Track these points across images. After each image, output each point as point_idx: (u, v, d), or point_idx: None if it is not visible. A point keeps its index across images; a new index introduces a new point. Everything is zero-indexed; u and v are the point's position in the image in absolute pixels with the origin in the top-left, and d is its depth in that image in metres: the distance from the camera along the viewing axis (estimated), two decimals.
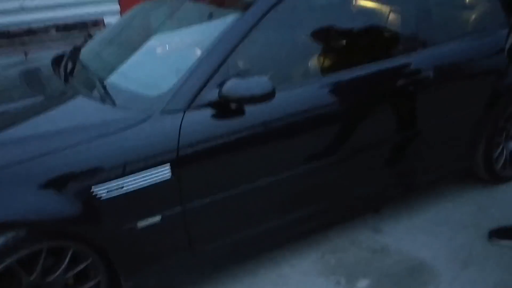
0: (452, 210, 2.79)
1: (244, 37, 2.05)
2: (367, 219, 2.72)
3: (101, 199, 1.78)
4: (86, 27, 5.02)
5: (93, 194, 1.76)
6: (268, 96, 1.93)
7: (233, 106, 1.97)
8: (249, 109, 1.99)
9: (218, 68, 2.00)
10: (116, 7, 5.24)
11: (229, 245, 2.19)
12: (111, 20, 5.16)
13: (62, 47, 4.61)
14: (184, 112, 1.92)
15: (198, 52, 2.10)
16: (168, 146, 1.87)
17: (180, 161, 1.89)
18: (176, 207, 1.94)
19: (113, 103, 2.05)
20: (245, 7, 2.14)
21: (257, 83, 1.92)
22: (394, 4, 2.57)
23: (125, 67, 2.30)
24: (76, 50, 2.76)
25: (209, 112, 1.96)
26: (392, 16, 2.56)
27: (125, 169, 1.80)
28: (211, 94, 1.96)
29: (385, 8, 2.59)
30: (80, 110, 2.10)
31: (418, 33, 2.54)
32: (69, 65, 2.57)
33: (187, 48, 2.32)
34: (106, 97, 2.10)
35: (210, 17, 2.43)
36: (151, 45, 2.44)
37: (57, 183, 1.73)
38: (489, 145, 2.82)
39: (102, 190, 1.78)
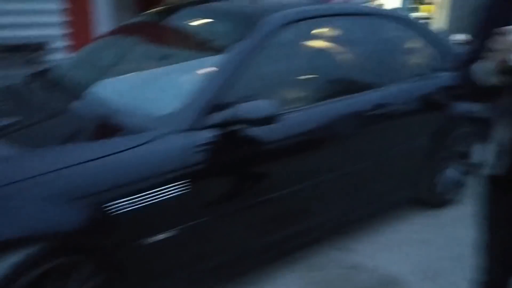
0: (410, 230, 3.10)
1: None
2: (337, 239, 2.94)
3: (117, 213, 1.79)
4: (29, 50, 4.83)
5: (109, 208, 1.78)
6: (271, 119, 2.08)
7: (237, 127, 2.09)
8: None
9: (223, 92, 2.13)
10: (61, 31, 5.11)
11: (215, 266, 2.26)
12: (57, 44, 5.03)
13: (4, 69, 4.43)
14: (192, 131, 2.02)
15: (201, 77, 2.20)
16: (177, 164, 1.94)
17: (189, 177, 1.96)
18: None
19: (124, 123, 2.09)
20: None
21: (261, 106, 2.06)
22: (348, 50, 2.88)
23: (129, 88, 2.34)
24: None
25: (215, 132, 2.07)
26: (346, 60, 2.86)
27: (139, 186, 1.85)
28: (218, 116, 2.07)
29: (341, 52, 2.84)
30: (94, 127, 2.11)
31: (368, 76, 2.85)
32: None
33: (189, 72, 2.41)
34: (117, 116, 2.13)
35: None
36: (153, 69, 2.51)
37: (74, 197, 1.73)
38: (433, 172, 3.23)
39: (117, 205, 1.80)
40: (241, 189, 2.22)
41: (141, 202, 1.85)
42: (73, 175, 1.77)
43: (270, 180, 2.31)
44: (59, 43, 5.06)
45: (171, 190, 1.92)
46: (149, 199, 1.88)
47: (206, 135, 2.05)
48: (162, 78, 2.47)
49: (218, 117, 2.07)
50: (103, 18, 5.31)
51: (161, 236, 1.95)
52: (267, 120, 2.08)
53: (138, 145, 1.92)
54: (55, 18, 5.01)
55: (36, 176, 1.71)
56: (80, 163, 1.79)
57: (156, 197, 1.89)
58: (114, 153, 1.87)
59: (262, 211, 2.34)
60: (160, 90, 2.33)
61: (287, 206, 2.47)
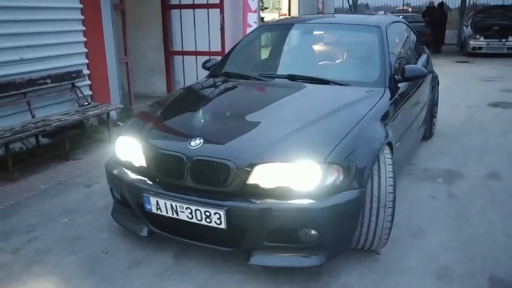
0: None
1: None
2: None
3: None
4: (71, 78, 5.21)
5: None
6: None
7: None
8: None
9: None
10: (84, 60, 5.57)
11: None
12: (85, 71, 5.49)
13: (58, 97, 4.88)
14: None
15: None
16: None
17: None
18: None
19: None
20: None
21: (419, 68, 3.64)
22: None
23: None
24: None
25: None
26: None
27: None
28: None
29: None
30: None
31: None
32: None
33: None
34: None
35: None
36: None
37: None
38: None
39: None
40: None
41: None
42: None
43: None
44: (85, 71, 5.53)
45: None
46: None
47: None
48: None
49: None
50: (110, 50, 5.93)
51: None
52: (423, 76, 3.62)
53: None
54: (80, 49, 5.48)
55: None
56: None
57: None
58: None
59: None
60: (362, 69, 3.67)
61: None
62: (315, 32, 4.29)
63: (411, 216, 3.32)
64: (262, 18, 11.25)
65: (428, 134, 5.13)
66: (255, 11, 7.42)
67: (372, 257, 2.78)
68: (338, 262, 2.68)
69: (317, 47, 4.05)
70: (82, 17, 5.42)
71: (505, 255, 2.80)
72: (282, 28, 4.56)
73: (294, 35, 4.32)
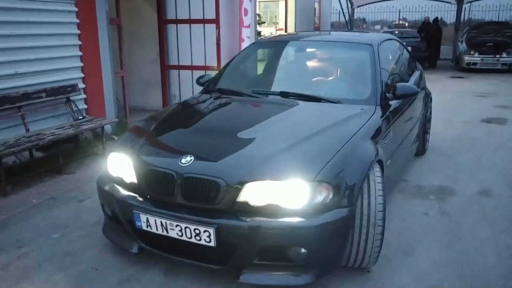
0: None
1: None
2: None
3: None
4: (66, 92, 5.23)
5: None
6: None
7: None
8: None
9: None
10: (81, 74, 5.60)
11: None
12: (80, 86, 5.52)
13: (52, 111, 4.89)
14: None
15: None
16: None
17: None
18: None
19: None
20: None
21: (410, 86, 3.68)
22: None
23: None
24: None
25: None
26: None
27: None
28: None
29: None
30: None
31: None
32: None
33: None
34: None
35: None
36: None
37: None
38: None
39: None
40: None
41: None
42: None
43: None
44: (81, 85, 5.56)
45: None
46: None
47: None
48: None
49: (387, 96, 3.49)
50: (106, 64, 5.96)
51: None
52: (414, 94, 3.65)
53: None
54: (76, 63, 5.51)
55: None
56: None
57: None
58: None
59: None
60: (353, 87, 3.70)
61: None
62: (308, 50, 4.33)
63: (402, 233, 3.33)
64: (259, 33, 11.35)
65: (421, 150, 5.16)
66: (248, 26, 7.49)
67: (363, 275, 2.78)
68: (328, 280, 2.67)
69: (309, 65, 4.09)
70: (78, 31, 5.46)
71: (495, 274, 2.81)
72: (276, 45, 4.61)
73: (287, 52, 4.37)
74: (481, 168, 4.87)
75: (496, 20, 19.47)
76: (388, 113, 3.39)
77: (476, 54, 13.73)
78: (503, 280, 2.74)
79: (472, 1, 18.80)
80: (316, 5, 15.05)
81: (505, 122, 7.16)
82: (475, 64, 13.72)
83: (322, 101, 3.42)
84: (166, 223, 2.49)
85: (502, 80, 12.03)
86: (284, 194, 2.39)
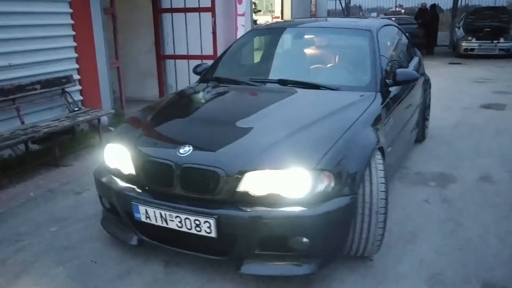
0: None
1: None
2: None
3: None
4: (61, 83, 5.16)
5: None
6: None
7: None
8: None
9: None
10: (75, 65, 5.53)
11: None
12: (75, 77, 5.44)
13: (48, 103, 4.83)
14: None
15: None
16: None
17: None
18: None
19: None
20: None
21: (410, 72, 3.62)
22: None
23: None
24: None
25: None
26: None
27: None
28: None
29: None
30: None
31: None
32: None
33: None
34: None
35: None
36: None
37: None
38: None
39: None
40: None
41: None
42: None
43: None
44: (76, 76, 5.48)
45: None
46: None
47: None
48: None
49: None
50: (101, 54, 5.88)
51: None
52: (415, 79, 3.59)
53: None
54: (70, 54, 5.43)
55: None
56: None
57: None
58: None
59: None
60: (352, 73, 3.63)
61: None
62: (306, 36, 4.26)
63: (404, 221, 3.30)
64: (255, 21, 11.24)
65: (420, 137, 5.12)
66: (243, 15, 7.40)
67: (365, 263, 2.75)
68: (331, 269, 2.65)
69: (307, 51, 4.02)
70: (72, 22, 5.37)
71: (498, 260, 2.79)
72: (273, 32, 4.53)
73: (285, 39, 4.29)
74: (481, 154, 4.84)
75: (493, 5, 19.35)
76: (388, 99, 3.34)
77: (474, 40, 13.67)
78: (507, 266, 2.72)
79: None
80: None
81: (504, 108, 7.13)
82: (472, 50, 13.66)
83: (321, 88, 3.36)
84: (165, 214, 2.45)
85: (500, 66, 11.98)
86: (285, 183, 2.35)
